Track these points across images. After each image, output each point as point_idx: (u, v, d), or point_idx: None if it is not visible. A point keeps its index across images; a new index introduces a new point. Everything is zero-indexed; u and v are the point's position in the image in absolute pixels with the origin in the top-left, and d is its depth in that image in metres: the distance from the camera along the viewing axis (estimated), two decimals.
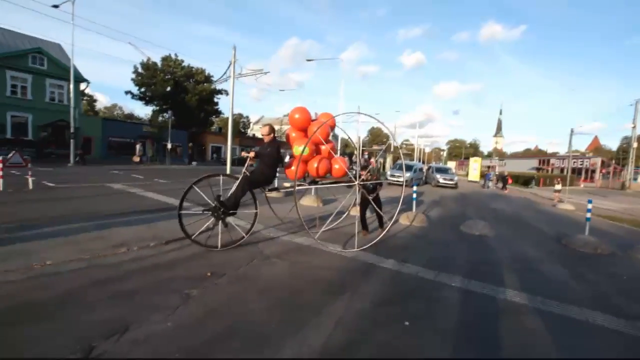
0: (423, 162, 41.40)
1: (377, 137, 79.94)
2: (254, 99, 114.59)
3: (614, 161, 44.70)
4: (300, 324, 2.67)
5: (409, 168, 20.01)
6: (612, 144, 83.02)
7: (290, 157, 5.70)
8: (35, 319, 2.49)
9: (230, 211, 4.51)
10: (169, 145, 23.05)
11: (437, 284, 3.86)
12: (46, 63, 24.02)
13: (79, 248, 4.10)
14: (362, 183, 5.51)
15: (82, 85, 26.66)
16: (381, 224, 6.18)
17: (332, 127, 5.63)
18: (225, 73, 18.27)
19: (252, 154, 4.72)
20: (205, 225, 4.53)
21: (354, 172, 5.77)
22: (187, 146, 29.92)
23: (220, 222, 4.48)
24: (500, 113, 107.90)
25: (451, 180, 20.99)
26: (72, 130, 17.42)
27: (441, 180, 20.85)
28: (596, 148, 69.22)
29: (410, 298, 3.41)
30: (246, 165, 4.72)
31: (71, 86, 19.00)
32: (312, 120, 5.40)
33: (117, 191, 9.43)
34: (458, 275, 4.16)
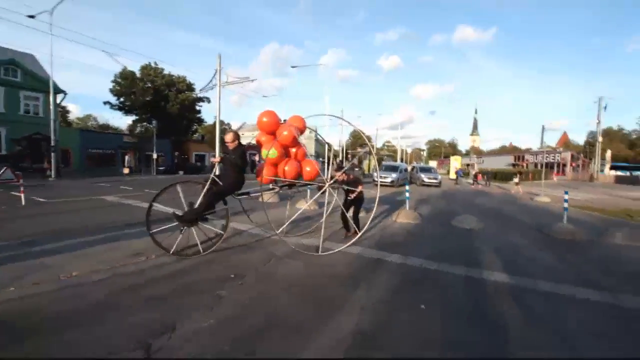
0: (406, 163, 42.44)
1: (359, 139, 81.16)
2: (235, 105, 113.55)
3: (582, 155, 47.47)
4: (330, 313, 2.95)
5: (394, 169, 20.65)
6: (579, 138, 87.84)
7: (260, 162, 5.71)
8: (85, 323, 2.65)
9: (204, 216, 4.69)
10: (155, 155, 22.70)
11: (440, 272, 4.23)
12: (19, 75, 23.22)
13: (97, 259, 4.21)
14: (333, 184, 5.50)
15: (59, 97, 25.75)
16: (357, 227, 5.90)
17: (302, 130, 5.60)
18: (210, 81, 18.31)
19: (216, 160, 5.08)
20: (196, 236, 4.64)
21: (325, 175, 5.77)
22: (171, 155, 29.52)
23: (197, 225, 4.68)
24: (476, 112, 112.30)
25: (435, 179, 21.81)
26: (52, 143, 16.91)
27: (426, 180, 21.61)
28: (565, 143, 73.05)
29: (420, 286, 3.76)
30: (214, 171, 4.82)
31: (51, 98, 18.55)
32: (281, 123, 5.46)
33: (111, 203, 9.35)
34: (457, 264, 4.56)
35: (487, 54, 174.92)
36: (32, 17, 18.37)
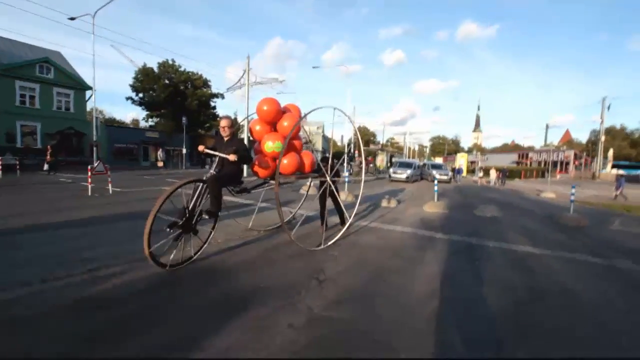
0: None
1: (363, 135, 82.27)
2: (239, 98, 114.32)
3: (585, 153, 48.70)
4: (416, 264, 4.36)
5: (409, 165, 22.04)
6: (582, 136, 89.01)
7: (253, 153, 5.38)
8: (264, 267, 4.05)
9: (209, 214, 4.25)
10: (184, 151, 24.10)
11: (479, 245, 5.61)
12: (52, 72, 24.49)
13: (223, 232, 5.53)
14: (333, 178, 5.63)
15: (88, 93, 27.09)
16: (344, 217, 6.19)
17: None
18: (239, 80, 19.57)
19: (202, 148, 4.39)
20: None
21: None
22: (190, 150, 31.05)
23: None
24: (478, 109, 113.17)
25: (446, 175, 23.24)
26: (95, 138, 18.30)
27: (437, 176, 22.95)
28: (568, 141, 74.21)
29: (468, 251, 5.17)
30: (214, 165, 4.31)
31: (93, 96, 19.88)
32: (283, 113, 5.12)
33: (178, 192, 10.70)
34: (490, 240, 5.94)
35: (490, 50, 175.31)
36: (72, 19, 19.64)
